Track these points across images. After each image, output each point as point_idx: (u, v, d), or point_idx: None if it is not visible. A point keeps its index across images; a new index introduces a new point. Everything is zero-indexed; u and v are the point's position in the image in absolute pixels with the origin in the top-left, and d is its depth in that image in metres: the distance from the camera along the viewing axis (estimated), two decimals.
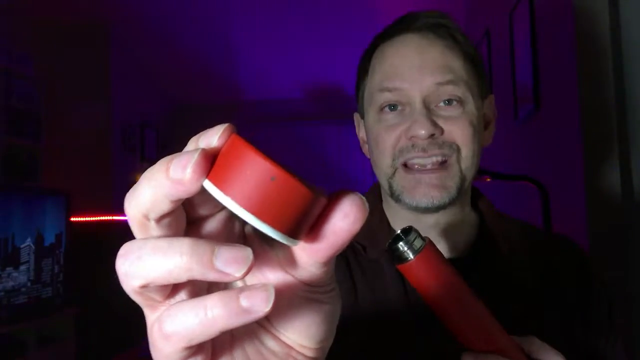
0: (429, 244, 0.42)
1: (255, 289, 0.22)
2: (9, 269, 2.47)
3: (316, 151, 5.13)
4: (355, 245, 0.69)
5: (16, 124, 3.26)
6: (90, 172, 3.68)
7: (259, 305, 0.22)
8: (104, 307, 3.10)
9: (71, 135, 3.71)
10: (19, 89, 3.30)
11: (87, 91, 3.77)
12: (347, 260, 0.68)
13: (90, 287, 3.02)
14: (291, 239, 0.23)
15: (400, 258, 0.42)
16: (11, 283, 2.49)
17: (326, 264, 0.26)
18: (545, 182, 1.47)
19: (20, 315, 2.53)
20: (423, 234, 0.70)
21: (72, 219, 3.07)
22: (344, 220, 0.23)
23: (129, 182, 3.99)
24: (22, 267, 2.57)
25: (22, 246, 2.60)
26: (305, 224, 0.23)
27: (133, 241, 0.24)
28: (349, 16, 3.61)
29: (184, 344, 0.23)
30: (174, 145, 4.92)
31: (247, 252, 0.22)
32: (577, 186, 1.44)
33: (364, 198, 0.24)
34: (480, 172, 1.39)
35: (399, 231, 0.43)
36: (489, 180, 1.43)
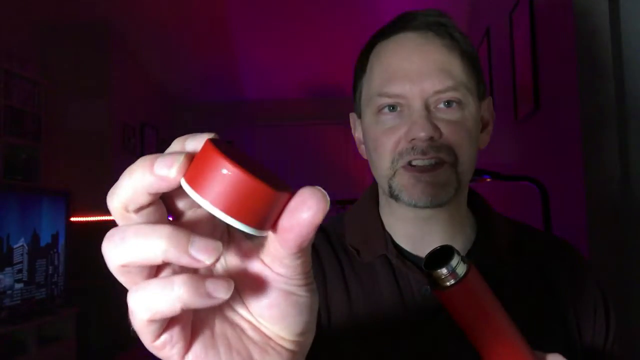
0: (472, 269, 0.38)
1: (220, 278, 0.26)
2: None
3: (316, 151, 5.13)
4: (349, 249, 0.69)
5: (16, 124, 3.26)
6: (90, 172, 3.67)
7: (220, 291, 0.25)
8: (104, 307, 3.10)
9: (71, 135, 3.71)
10: (19, 89, 3.30)
11: (87, 91, 3.77)
12: (340, 265, 0.67)
13: (90, 287, 3.02)
14: (258, 231, 0.26)
15: (439, 284, 0.38)
16: None
17: (299, 256, 0.28)
18: (545, 182, 1.47)
19: (16, 316, 2.51)
20: (420, 228, 0.69)
21: (72, 219, 3.07)
22: (307, 212, 0.26)
23: None
24: (9, 269, 2.51)
25: (15, 246, 2.57)
26: (270, 217, 0.26)
27: (119, 226, 0.27)
28: (351, 17, 3.62)
29: (146, 316, 0.26)
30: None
31: (217, 244, 0.25)
32: (577, 186, 1.44)
33: (324, 192, 0.26)
34: (481, 172, 1.39)
35: (437, 247, 0.39)
36: (489, 180, 1.43)
